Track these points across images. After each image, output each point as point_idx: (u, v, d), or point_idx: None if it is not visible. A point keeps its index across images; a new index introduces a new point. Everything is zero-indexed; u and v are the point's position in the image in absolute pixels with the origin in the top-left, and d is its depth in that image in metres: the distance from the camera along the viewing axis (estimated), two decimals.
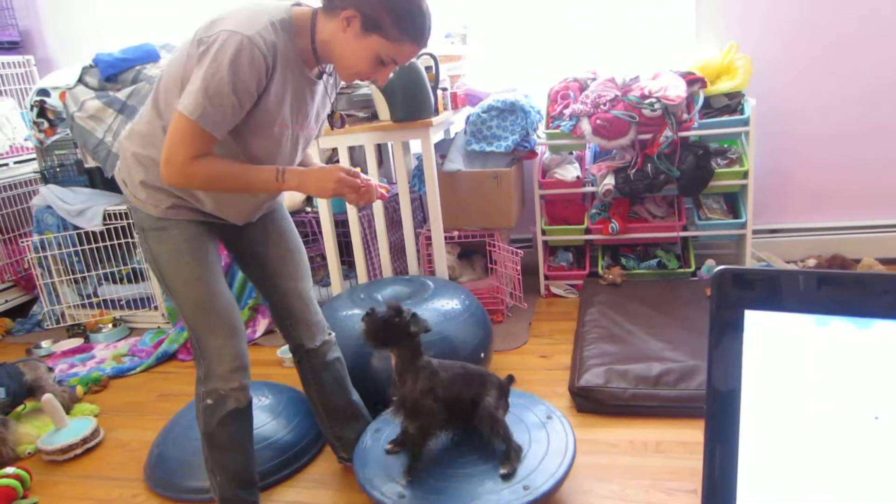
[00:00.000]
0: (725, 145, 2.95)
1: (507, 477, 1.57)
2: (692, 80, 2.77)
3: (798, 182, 3.09)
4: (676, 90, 2.70)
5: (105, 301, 3.44)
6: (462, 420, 1.68)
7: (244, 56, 1.29)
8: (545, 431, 1.75)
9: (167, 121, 1.43)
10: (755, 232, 2.94)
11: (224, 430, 1.62)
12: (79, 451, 2.24)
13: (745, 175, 2.80)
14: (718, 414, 0.50)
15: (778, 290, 0.48)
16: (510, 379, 1.72)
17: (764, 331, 0.50)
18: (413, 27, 1.39)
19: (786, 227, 3.14)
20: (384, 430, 1.86)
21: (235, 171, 1.42)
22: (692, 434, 2.00)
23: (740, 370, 0.50)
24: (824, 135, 3.01)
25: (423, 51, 2.63)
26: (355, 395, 1.93)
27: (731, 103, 2.82)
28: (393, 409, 1.65)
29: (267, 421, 2.11)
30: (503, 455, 1.63)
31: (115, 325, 3.34)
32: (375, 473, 1.66)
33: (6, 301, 3.67)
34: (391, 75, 1.57)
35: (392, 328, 1.55)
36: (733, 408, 0.50)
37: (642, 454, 1.93)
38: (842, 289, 0.46)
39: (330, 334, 1.86)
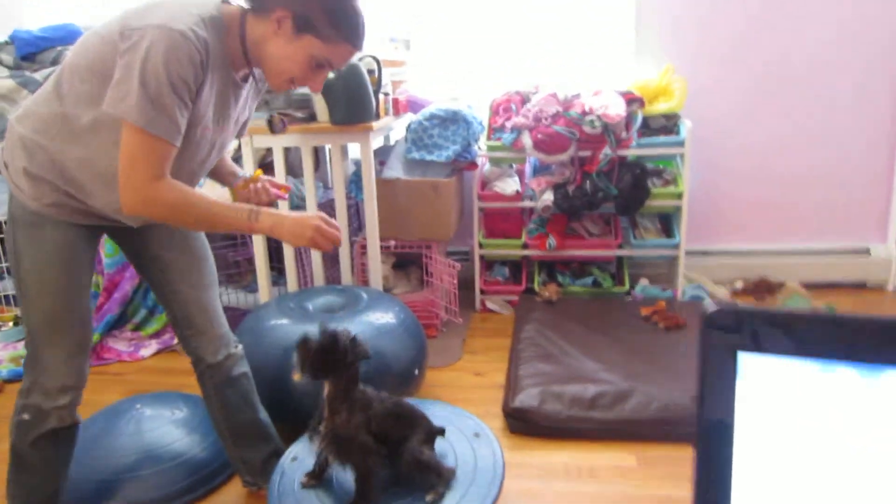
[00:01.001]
0: (661, 166, 2.99)
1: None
2: (631, 100, 2.79)
3: (728, 205, 3.17)
4: (616, 108, 2.71)
5: (6, 297, 3.16)
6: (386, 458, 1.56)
7: (180, 52, 1.20)
8: (473, 453, 1.66)
9: (67, 107, 1.31)
10: (687, 253, 2.98)
11: (37, 451, 1.48)
12: None
13: (679, 196, 2.84)
14: (707, 462, 0.45)
15: (776, 332, 0.43)
16: (441, 430, 1.61)
17: (759, 375, 0.44)
18: (348, 26, 1.33)
19: (716, 250, 3.20)
20: (302, 458, 1.73)
21: (205, 204, 1.31)
22: (626, 458, 1.98)
23: (732, 416, 0.45)
24: (754, 161, 3.10)
25: (365, 53, 2.57)
26: (263, 414, 1.79)
27: (668, 124, 2.87)
28: (318, 440, 1.52)
29: (180, 437, 1.95)
30: (430, 481, 1.54)
31: (16, 324, 3.06)
32: None
33: None
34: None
35: (329, 357, 1.42)
36: (724, 455, 0.44)
37: (576, 479, 1.89)
38: (849, 333, 0.42)
39: (236, 347, 1.72)
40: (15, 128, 1.37)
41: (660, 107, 2.83)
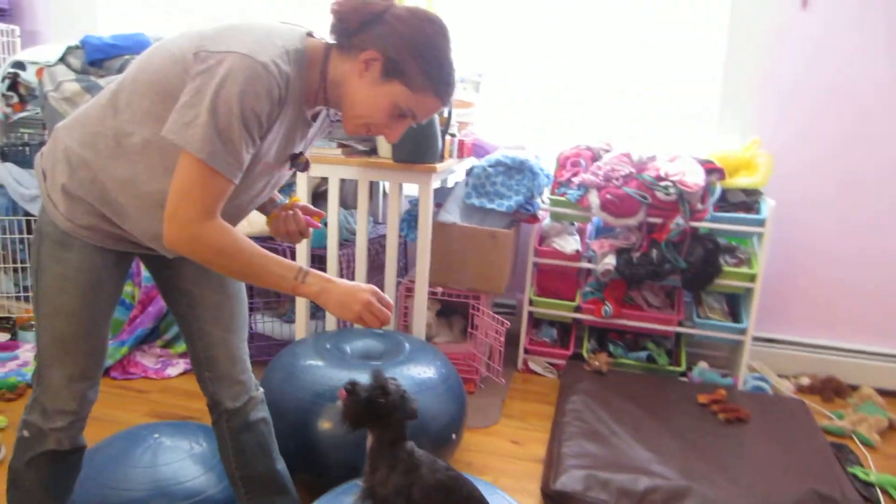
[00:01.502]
0: (734, 243, 2.80)
1: None
2: (711, 170, 2.63)
3: (804, 294, 2.94)
4: (695, 177, 2.55)
5: None
6: None
7: (258, 84, 1.10)
8: None
9: (121, 122, 1.21)
10: (753, 339, 2.75)
11: (32, 472, 1.38)
12: None
13: (752, 278, 2.64)
14: None
15: None
16: None
17: None
18: (440, 77, 1.22)
19: (784, 339, 2.97)
20: None
21: (251, 253, 1.20)
22: None
23: None
24: (839, 252, 2.87)
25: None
26: (280, 465, 1.64)
27: (748, 200, 2.67)
28: (359, 499, 1.39)
29: (197, 474, 1.81)
30: None
31: None
32: None
33: None
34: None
35: (375, 408, 1.31)
36: None
37: None
38: None
39: (257, 390, 1.59)
40: (61, 138, 1.28)
41: (741, 181, 2.65)
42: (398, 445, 1.36)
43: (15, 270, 3.18)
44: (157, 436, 1.93)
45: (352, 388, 1.33)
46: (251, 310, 2.80)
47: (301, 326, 2.60)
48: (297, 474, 1.71)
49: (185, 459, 1.86)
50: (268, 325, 2.89)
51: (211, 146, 1.10)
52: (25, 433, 1.37)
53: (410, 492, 1.33)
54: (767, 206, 2.61)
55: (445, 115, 2.45)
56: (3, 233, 3.07)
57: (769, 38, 2.76)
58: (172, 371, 2.71)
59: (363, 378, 1.38)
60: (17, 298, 3.14)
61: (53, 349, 1.33)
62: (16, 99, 3.12)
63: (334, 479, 1.72)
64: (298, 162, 1.42)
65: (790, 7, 2.71)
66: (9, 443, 2.02)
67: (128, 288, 2.89)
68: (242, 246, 1.19)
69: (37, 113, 3.09)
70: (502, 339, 2.65)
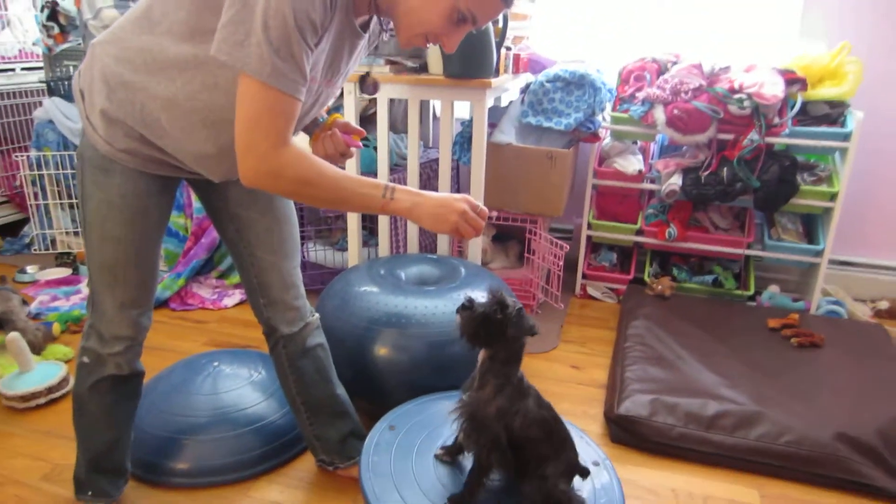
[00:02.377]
0: (812, 160, 2.59)
1: None
2: (792, 80, 2.41)
3: (886, 215, 2.73)
4: (773, 88, 2.34)
5: None
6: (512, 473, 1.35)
7: None
8: (591, 483, 1.45)
9: (157, 36, 1.12)
10: (827, 262, 2.59)
11: (96, 396, 1.40)
12: (42, 400, 1.99)
13: (832, 197, 2.45)
14: None
15: None
16: (585, 471, 1.40)
17: None
18: None
19: (862, 262, 2.79)
20: (400, 427, 1.56)
21: (333, 178, 1.13)
22: (744, 492, 1.71)
23: None
24: None
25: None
26: (340, 389, 1.64)
27: (833, 113, 2.44)
28: (455, 410, 1.35)
29: (257, 401, 1.83)
30: None
31: None
32: (382, 483, 1.34)
33: None
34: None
35: (493, 325, 1.25)
36: None
37: None
38: None
39: (313, 315, 1.56)
40: (98, 55, 1.20)
41: (825, 91, 2.41)
42: (511, 365, 1.31)
43: (71, 206, 3.22)
44: (216, 364, 1.95)
45: (470, 304, 1.27)
46: (303, 239, 2.78)
47: (354, 254, 2.55)
48: (355, 400, 1.70)
49: (244, 386, 1.87)
50: (320, 253, 2.86)
51: (271, 65, 1.01)
52: (85, 359, 1.38)
53: (512, 420, 1.28)
54: (854, 118, 2.38)
55: (500, 25, 2.29)
56: (57, 168, 3.09)
57: None
58: (229, 301, 2.72)
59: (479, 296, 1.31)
60: (76, 234, 3.19)
61: (103, 276, 1.31)
62: (57, 29, 3.07)
63: (392, 404, 1.69)
64: (367, 84, 1.32)
65: None
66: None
67: (180, 220, 2.89)
68: (325, 171, 1.12)
69: (79, 44, 3.04)
70: (561, 262, 2.56)
